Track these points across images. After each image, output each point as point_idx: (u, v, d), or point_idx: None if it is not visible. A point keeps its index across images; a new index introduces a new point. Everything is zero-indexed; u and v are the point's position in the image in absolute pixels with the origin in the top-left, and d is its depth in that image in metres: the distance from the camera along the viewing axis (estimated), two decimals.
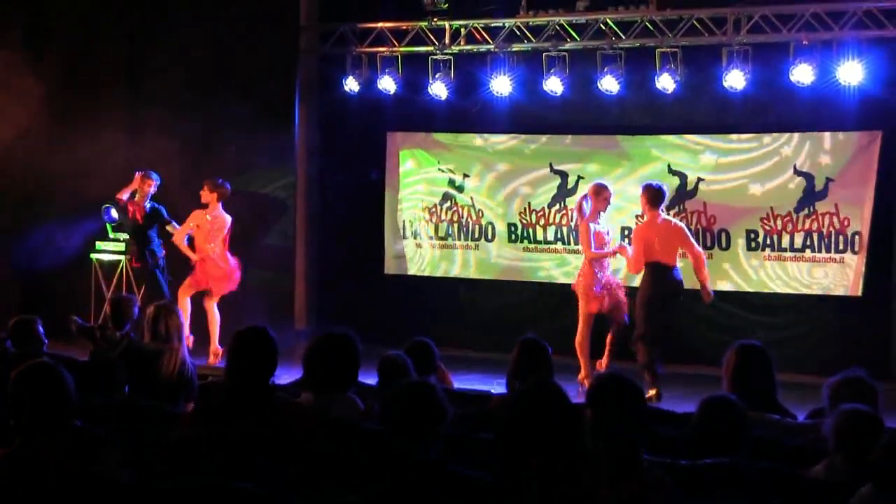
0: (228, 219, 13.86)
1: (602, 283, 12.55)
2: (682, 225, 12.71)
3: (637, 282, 12.85)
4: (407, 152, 15.89)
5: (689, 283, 12.61)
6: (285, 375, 8.21)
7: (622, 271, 13.72)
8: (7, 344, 8.77)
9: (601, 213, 12.67)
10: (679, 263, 12.52)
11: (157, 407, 7.01)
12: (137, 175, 14.04)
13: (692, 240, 12.55)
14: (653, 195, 12.39)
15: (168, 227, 14.00)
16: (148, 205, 14.04)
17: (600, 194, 12.62)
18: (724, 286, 14.19)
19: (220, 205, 13.84)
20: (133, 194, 14.05)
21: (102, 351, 9.34)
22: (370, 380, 7.29)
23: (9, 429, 5.30)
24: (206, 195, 13.80)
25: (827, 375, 6.59)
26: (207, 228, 13.75)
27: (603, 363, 12.41)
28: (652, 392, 11.85)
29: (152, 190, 14.06)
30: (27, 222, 15.80)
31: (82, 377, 5.95)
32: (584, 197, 12.79)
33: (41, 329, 9.02)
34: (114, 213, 14.89)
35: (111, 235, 15.10)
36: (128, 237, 14.62)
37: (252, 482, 5.12)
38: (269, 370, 6.21)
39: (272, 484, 5.27)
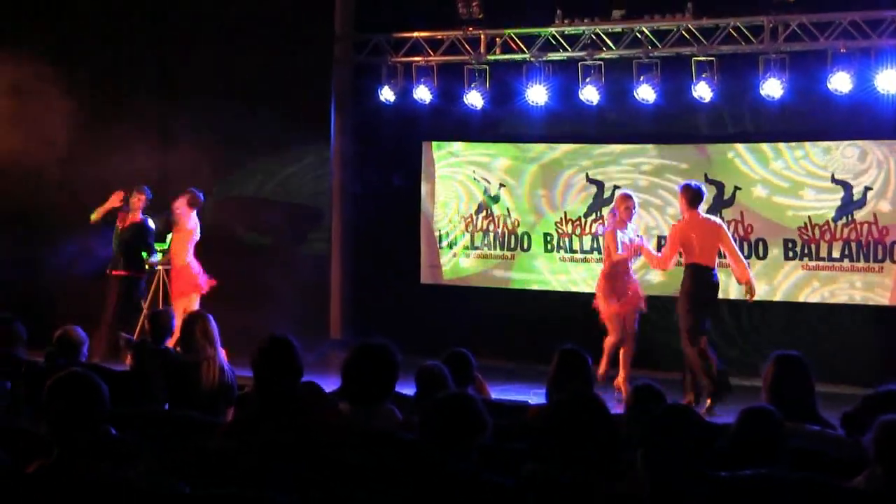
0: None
1: (620, 289, 12.53)
2: (722, 223, 12.55)
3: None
4: (442, 162, 15.90)
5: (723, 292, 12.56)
6: (322, 386, 8.22)
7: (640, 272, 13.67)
8: (58, 361, 8.80)
9: (627, 221, 12.62)
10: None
11: (195, 417, 7.04)
12: (118, 193, 14.22)
13: (731, 238, 12.41)
14: (692, 195, 12.19)
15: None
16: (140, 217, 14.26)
17: (624, 203, 12.60)
18: (762, 296, 14.14)
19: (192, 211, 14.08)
20: (122, 208, 14.26)
21: (142, 364, 9.37)
22: (408, 390, 7.29)
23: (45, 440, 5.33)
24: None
25: (863, 385, 6.57)
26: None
27: (601, 371, 12.25)
28: (708, 402, 11.63)
29: (143, 204, 14.24)
30: (60, 234, 15.87)
31: (121, 388, 5.98)
32: (613, 210, 12.75)
33: (85, 339, 9.07)
34: (150, 224, 14.94)
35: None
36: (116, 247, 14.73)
37: (283, 492, 5.13)
38: (295, 378, 6.23)
39: (303, 494, 5.27)
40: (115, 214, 14.39)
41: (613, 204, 12.83)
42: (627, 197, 12.67)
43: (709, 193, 14.28)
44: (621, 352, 12.46)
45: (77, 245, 15.55)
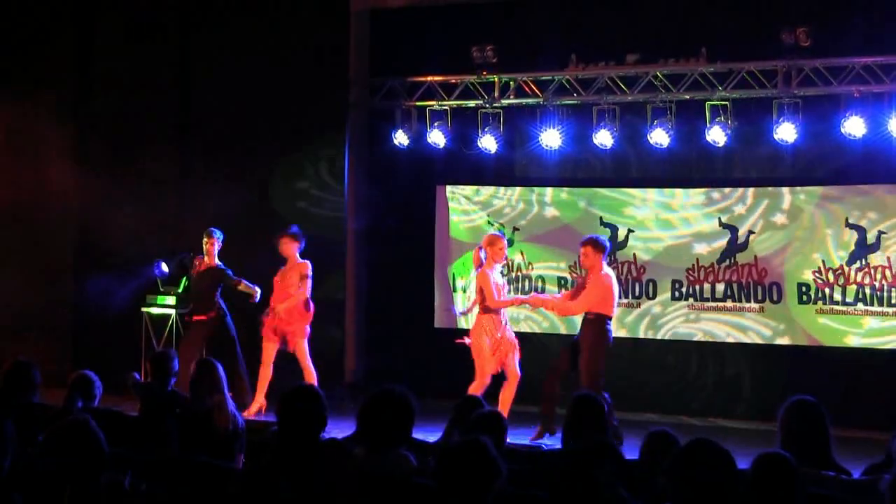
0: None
1: (496, 339, 12.60)
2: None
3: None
4: (456, 205, 15.91)
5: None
6: (335, 430, 8.21)
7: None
8: (79, 404, 8.81)
9: (497, 263, 12.68)
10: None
11: (208, 463, 7.03)
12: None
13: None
14: (603, 247, 12.52)
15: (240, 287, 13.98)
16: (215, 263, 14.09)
17: (494, 244, 12.65)
18: (779, 340, 14.12)
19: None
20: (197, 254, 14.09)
21: (152, 407, 9.36)
22: (426, 435, 7.27)
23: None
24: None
25: (875, 430, 6.54)
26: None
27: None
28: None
29: (217, 247, 14.10)
30: (81, 276, 15.96)
31: (133, 433, 5.98)
32: (479, 248, 12.77)
33: (98, 384, 9.07)
34: (164, 268, 14.96)
35: (161, 289, 15.17)
36: (185, 293, 14.64)
37: None
38: (319, 428, 6.23)
39: None
40: (191, 261, 14.32)
41: (481, 242, 12.84)
42: (498, 237, 12.76)
43: (723, 238, 14.33)
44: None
45: (99, 286, 15.62)
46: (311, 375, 13.35)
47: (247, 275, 13.90)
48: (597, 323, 12.30)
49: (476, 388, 12.29)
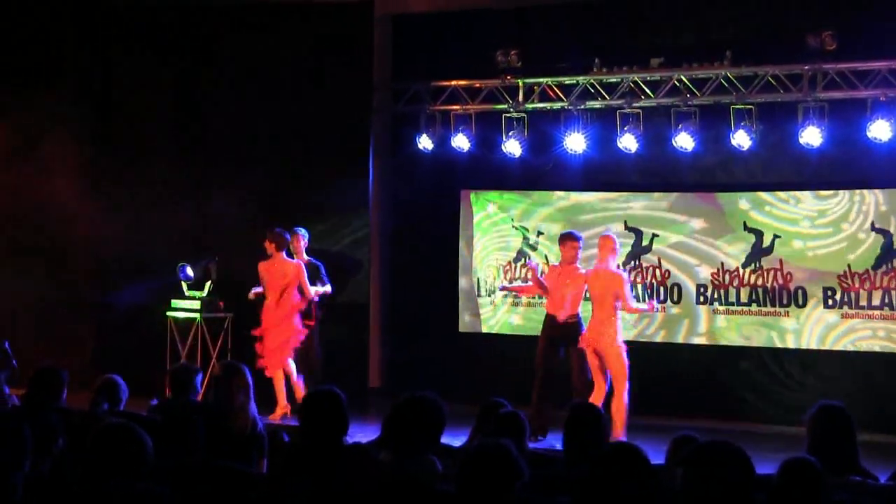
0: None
1: None
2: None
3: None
4: (480, 210, 15.88)
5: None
6: (359, 434, 8.20)
7: None
8: (104, 406, 8.79)
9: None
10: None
11: (230, 468, 7.00)
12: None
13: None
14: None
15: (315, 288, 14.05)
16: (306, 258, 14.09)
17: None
18: (805, 344, 14.05)
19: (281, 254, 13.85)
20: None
21: (174, 420, 9.24)
22: (450, 440, 7.22)
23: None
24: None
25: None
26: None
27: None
28: None
29: (305, 244, 14.10)
30: (101, 283, 16.01)
31: (157, 437, 5.95)
32: (613, 249, 12.71)
33: (124, 387, 9.06)
34: (189, 272, 14.96)
35: (187, 294, 15.17)
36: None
37: None
38: (341, 431, 6.21)
39: None
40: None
41: (609, 243, 12.76)
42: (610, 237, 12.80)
43: (747, 242, 14.27)
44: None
45: (118, 295, 15.68)
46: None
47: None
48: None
49: (600, 396, 12.26)
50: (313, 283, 13.90)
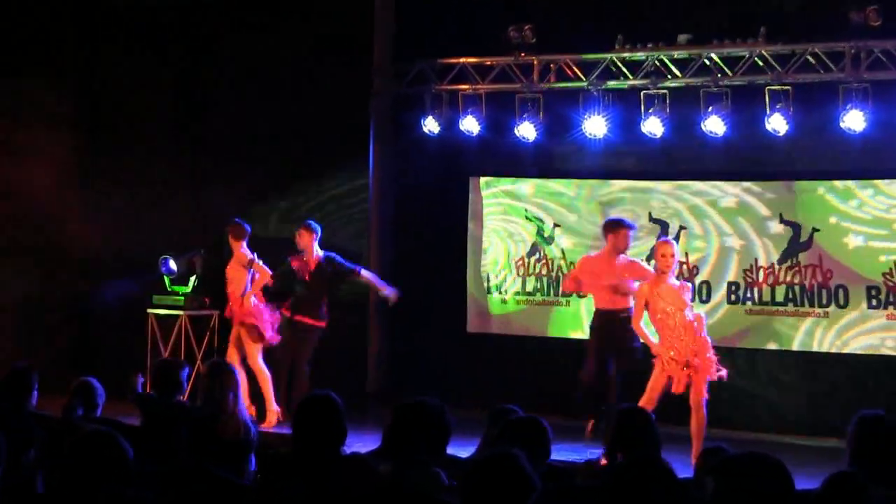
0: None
1: None
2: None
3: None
4: (491, 199, 15.88)
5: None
6: (358, 443, 8.20)
7: None
8: (79, 412, 8.84)
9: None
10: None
11: (218, 477, 7.03)
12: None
13: None
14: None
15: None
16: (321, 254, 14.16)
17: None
18: (846, 348, 14.06)
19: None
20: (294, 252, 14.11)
21: (155, 421, 9.29)
22: (457, 450, 7.23)
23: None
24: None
25: None
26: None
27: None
28: None
29: (316, 239, 14.11)
30: (86, 281, 16.10)
31: (137, 445, 5.99)
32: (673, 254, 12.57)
33: (100, 391, 9.10)
34: (172, 265, 15.00)
35: (169, 289, 15.21)
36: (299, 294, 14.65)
37: None
38: (338, 439, 6.22)
39: None
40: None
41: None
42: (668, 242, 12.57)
43: (784, 235, 14.26)
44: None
45: (103, 292, 15.76)
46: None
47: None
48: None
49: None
50: (335, 280, 14.06)
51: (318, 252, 13.99)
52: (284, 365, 13.82)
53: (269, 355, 13.87)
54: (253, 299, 13.75)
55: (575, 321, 15.32)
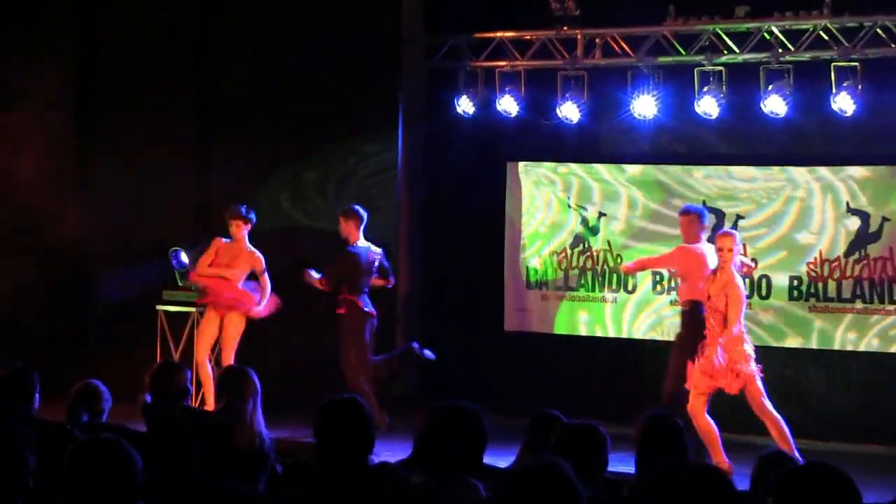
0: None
1: None
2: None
3: None
4: (531, 186, 15.85)
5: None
6: (386, 452, 8.17)
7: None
8: (84, 418, 8.83)
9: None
10: None
11: (237, 489, 7.01)
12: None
13: None
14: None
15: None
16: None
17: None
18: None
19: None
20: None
21: (162, 430, 9.24)
22: (495, 459, 7.19)
23: None
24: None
25: None
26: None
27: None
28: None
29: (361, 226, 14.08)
30: (90, 271, 16.14)
31: (145, 453, 5.97)
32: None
33: (107, 395, 9.09)
34: (184, 258, 14.99)
35: (181, 284, 15.20)
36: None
37: None
38: (365, 447, 6.19)
39: None
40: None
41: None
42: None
43: (851, 225, 14.18)
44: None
45: (108, 284, 15.78)
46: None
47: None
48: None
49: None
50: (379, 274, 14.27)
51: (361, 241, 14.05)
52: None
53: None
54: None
55: (621, 319, 15.28)
